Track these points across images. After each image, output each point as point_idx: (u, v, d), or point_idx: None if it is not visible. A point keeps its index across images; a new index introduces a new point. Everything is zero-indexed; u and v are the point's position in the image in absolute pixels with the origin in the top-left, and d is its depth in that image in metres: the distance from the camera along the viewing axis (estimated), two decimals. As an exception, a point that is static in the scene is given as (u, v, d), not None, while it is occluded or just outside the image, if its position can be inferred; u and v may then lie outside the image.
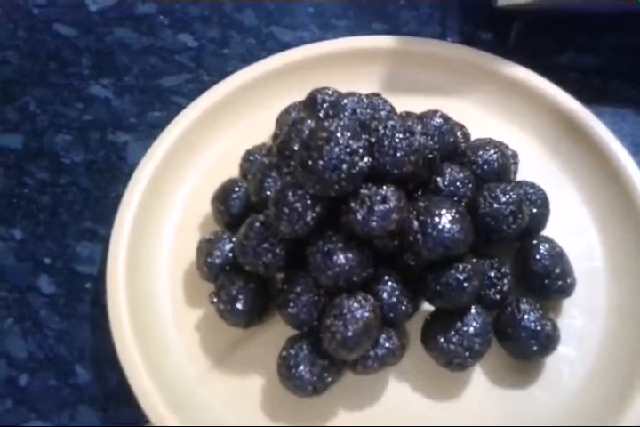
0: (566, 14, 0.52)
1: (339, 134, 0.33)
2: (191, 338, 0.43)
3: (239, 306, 0.40)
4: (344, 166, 0.33)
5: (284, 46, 0.53)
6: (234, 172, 0.46)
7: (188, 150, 0.48)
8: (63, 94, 0.54)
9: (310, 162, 0.33)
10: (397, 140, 0.35)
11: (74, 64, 0.56)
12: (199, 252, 0.43)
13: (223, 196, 0.43)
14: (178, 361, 0.42)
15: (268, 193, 0.40)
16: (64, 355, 0.44)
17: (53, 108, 0.54)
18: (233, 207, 0.43)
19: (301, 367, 0.38)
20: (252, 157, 0.44)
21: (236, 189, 0.43)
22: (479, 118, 0.49)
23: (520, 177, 0.45)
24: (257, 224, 0.38)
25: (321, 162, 0.33)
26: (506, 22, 0.54)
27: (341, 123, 0.34)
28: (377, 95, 0.42)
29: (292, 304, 0.38)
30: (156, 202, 0.46)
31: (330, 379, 0.38)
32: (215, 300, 0.41)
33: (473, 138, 0.45)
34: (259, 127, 0.47)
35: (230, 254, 0.41)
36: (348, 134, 0.33)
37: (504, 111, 0.49)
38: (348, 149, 0.33)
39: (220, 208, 0.43)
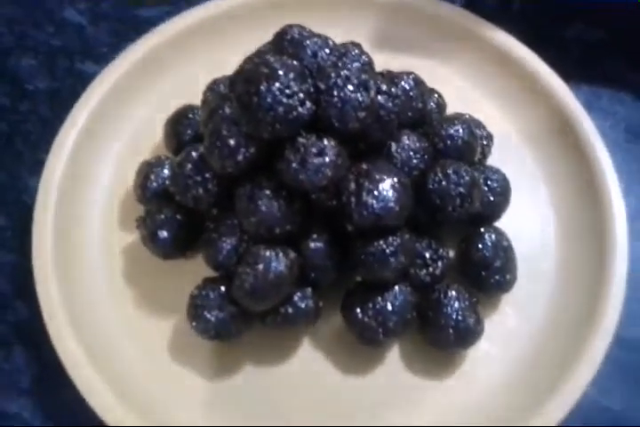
0: None
1: (280, 72, 0.31)
2: (115, 263, 0.42)
3: (161, 235, 0.38)
4: (280, 109, 0.31)
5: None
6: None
7: (153, 70, 0.46)
8: (35, 15, 0.51)
9: (245, 98, 0.31)
10: (348, 92, 0.32)
11: None
12: (138, 174, 0.41)
13: (175, 120, 0.42)
14: (96, 291, 0.41)
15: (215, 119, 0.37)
16: (4, 289, 0.42)
17: (21, 28, 0.51)
18: (182, 134, 0.41)
19: (208, 310, 0.36)
20: (215, 87, 0.42)
21: (190, 115, 0.41)
22: (464, 89, 0.46)
23: (491, 161, 0.42)
24: (194, 154, 0.36)
25: (255, 99, 0.31)
26: None
27: (288, 61, 0.31)
28: (357, 45, 0.39)
29: (212, 244, 0.37)
30: (106, 120, 0.44)
31: (235, 327, 0.37)
32: (140, 225, 0.39)
33: (452, 110, 0.42)
34: (239, 58, 0.44)
35: (167, 181, 0.39)
36: (292, 75, 0.31)
37: (491, 86, 0.46)
38: (288, 91, 0.31)
39: (169, 132, 0.42)
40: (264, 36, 0.42)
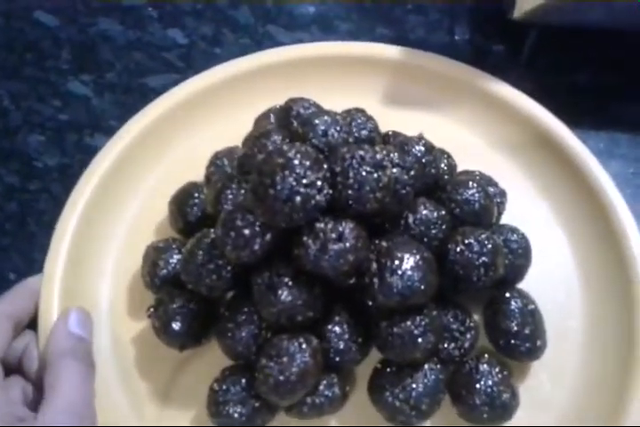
0: (587, 30, 0.47)
1: (296, 162, 0.29)
2: (126, 354, 0.40)
3: (175, 327, 0.36)
4: (297, 199, 0.29)
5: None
6: (202, 173, 0.42)
7: (154, 145, 0.44)
8: (39, 90, 0.50)
9: (261, 189, 0.29)
10: (364, 173, 0.31)
11: (53, 57, 0.51)
12: (145, 259, 0.39)
13: (180, 200, 0.40)
14: (107, 385, 0.39)
15: (226, 206, 0.36)
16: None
17: (28, 104, 0.49)
18: (189, 214, 0.39)
19: (230, 406, 0.34)
20: (218, 162, 0.40)
21: (195, 194, 0.40)
22: (470, 142, 0.45)
23: (506, 215, 0.41)
24: (205, 241, 0.35)
25: (272, 191, 0.29)
26: (519, 34, 0.49)
27: (302, 149, 0.30)
28: (361, 111, 0.38)
29: (229, 334, 0.35)
30: (110, 198, 0.43)
31: (260, 421, 0.35)
32: (152, 315, 0.37)
33: (461, 168, 0.41)
34: (238, 127, 0.43)
35: (177, 267, 0.38)
36: (307, 163, 0.29)
37: (499, 139, 0.45)
38: (305, 181, 0.29)
39: (174, 212, 0.40)
40: (273, 98, 0.41)
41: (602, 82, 0.48)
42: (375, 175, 0.31)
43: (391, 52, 0.46)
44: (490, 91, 0.45)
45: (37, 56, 0.51)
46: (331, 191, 0.31)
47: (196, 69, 0.47)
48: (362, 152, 0.31)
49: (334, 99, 0.41)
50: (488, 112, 0.45)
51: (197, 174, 0.42)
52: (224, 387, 0.34)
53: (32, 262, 0.44)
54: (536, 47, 0.49)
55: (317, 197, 0.30)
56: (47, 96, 0.50)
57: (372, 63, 0.46)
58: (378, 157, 0.31)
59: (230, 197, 0.36)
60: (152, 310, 0.37)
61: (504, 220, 0.41)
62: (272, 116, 0.41)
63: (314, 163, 0.30)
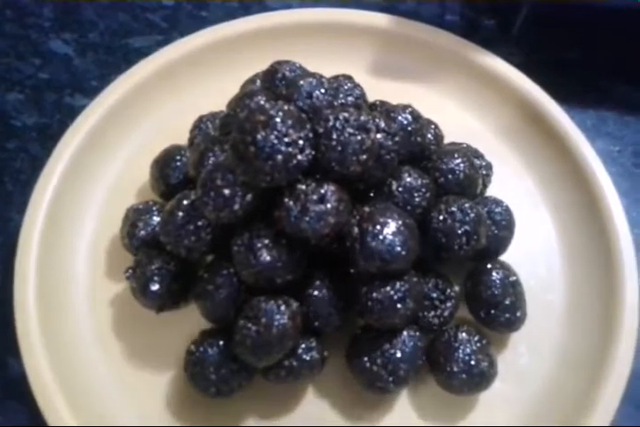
0: (578, 6, 0.46)
1: (278, 119, 0.29)
2: (103, 315, 0.39)
3: (153, 288, 0.36)
4: (278, 157, 0.29)
5: (270, 13, 0.48)
6: (186, 138, 0.42)
7: (138, 108, 0.44)
8: (19, 47, 0.49)
9: (242, 147, 0.29)
10: (347, 135, 0.30)
11: (34, 14, 0.50)
12: (125, 220, 0.39)
13: (163, 162, 0.39)
14: (83, 347, 0.38)
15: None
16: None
17: (7, 61, 0.48)
18: (170, 177, 0.39)
19: (207, 368, 0.34)
20: (202, 125, 0.40)
21: (178, 157, 0.39)
22: (457, 115, 0.45)
23: (491, 188, 0.41)
24: (185, 202, 0.34)
25: (252, 148, 0.29)
26: (512, 8, 0.48)
27: (285, 107, 0.29)
28: (348, 78, 0.38)
29: (208, 296, 0.34)
30: (91, 160, 0.42)
31: (237, 383, 0.35)
32: (130, 276, 0.37)
33: (448, 140, 0.41)
34: (224, 92, 0.42)
35: (156, 228, 0.37)
36: (290, 122, 0.29)
37: (486, 112, 0.45)
38: (287, 139, 0.29)
39: (156, 175, 0.39)
40: (254, 66, 0.40)
41: (592, 59, 0.48)
42: (359, 137, 0.30)
43: (381, 20, 0.45)
44: (480, 63, 0.44)
45: (18, 13, 0.50)
46: (313, 152, 0.30)
47: (181, 31, 0.47)
48: (346, 114, 0.31)
49: (321, 67, 0.40)
50: (477, 85, 0.45)
51: (181, 139, 0.42)
52: (201, 349, 0.34)
53: (8, 221, 0.43)
54: (527, 22, 0.49)
55: (299, 157, 0.29)
56: (27, 54, 0.49)
57: (361, 31, 0.45)
58: (362, 119, 0.31)
59: (213, 159, 0.35)
60: (130, 271, 0.37)
61: (489, 193, 0.41)
62: (258, 81, 0.40)
63: (296, 122, 0.29)
